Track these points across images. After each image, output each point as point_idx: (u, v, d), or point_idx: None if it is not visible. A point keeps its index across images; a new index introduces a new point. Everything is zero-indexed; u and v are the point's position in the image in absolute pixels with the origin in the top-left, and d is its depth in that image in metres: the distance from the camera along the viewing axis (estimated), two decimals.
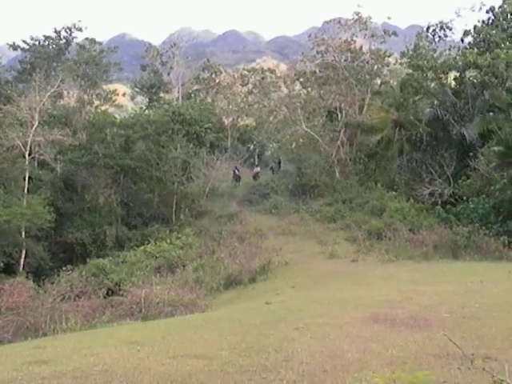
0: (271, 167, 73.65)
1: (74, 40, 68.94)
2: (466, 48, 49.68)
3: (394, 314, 14.51)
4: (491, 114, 40.57)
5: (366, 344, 11.25)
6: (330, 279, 28.37)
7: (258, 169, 70.93)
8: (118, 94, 76.85)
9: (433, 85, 50.64)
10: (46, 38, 67.29)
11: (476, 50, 47.54)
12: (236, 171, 65.71)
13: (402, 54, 56.01)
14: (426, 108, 45.81)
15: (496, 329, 12.32)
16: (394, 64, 60.23)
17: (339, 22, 58.34)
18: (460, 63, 47.40)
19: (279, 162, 72.96)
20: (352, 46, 57.58)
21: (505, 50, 44.61)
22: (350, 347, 11.02)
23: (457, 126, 42.54)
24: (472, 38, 50.43)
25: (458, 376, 8.76)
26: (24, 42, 67.64)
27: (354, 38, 58.15)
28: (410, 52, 52.36)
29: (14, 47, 68.66)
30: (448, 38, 54.44)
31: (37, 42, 67.27)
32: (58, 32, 67.52)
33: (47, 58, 65.60)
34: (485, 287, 19.79)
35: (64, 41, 67.84)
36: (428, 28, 53.65)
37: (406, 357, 10.09)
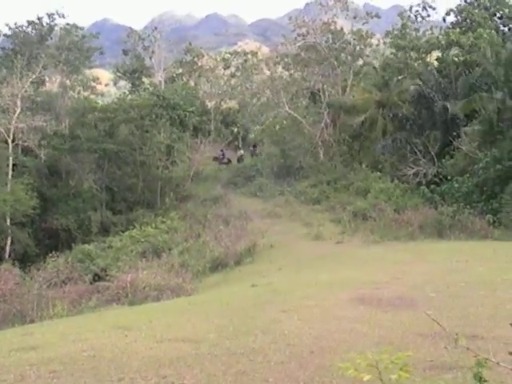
0: (251, 150, 73.41)
1: (56, 26, 68.38)
2: (449, 27, 49.92)
3: (380, 294, 14.58)
4: (474, 93, 40.58)
5: (353, 325, 11.31)
6: (316, 261, 28.46)
7: (242, 151, 70.81)
8: (100, 83, 76.45)
9: (416, 64, 50.77)
10: (29, 23, 66.66)
11: (458, 29, 47.69)
12: (222, 155, 65.52)
13: (387, 33, 56.09)
14: (409, 87, 45.91)
15: (482, 307, 12.42)
16: (377, 45, 60.19)
17: (320, 3, 58.22)
18: (443, 42, 47.59)
19: (254, 145, 72.66)
20: (332, 27, 57.44)
21: (487, 30, 44.75)
22: (336, 328, 11.09)
23: (441, 103, 42.66)
24: (454, 18, 50.66)
25: (444, 355, 8.83)
26: (7, 25, 66.91)
27: (335, 19, 58.04)
28: (396, 32, 52.53)
29: None
30: (430, 18, 54.78)
31: (20, 28, 66.59)
32: (39, 18, 66.94)
33: (29, 43, 64.94)
34: (470, 266, 19.90)
35: (47, 27, 67.27)
36: (411, 8, 53.91)
37: (392, 337, 10.16)
